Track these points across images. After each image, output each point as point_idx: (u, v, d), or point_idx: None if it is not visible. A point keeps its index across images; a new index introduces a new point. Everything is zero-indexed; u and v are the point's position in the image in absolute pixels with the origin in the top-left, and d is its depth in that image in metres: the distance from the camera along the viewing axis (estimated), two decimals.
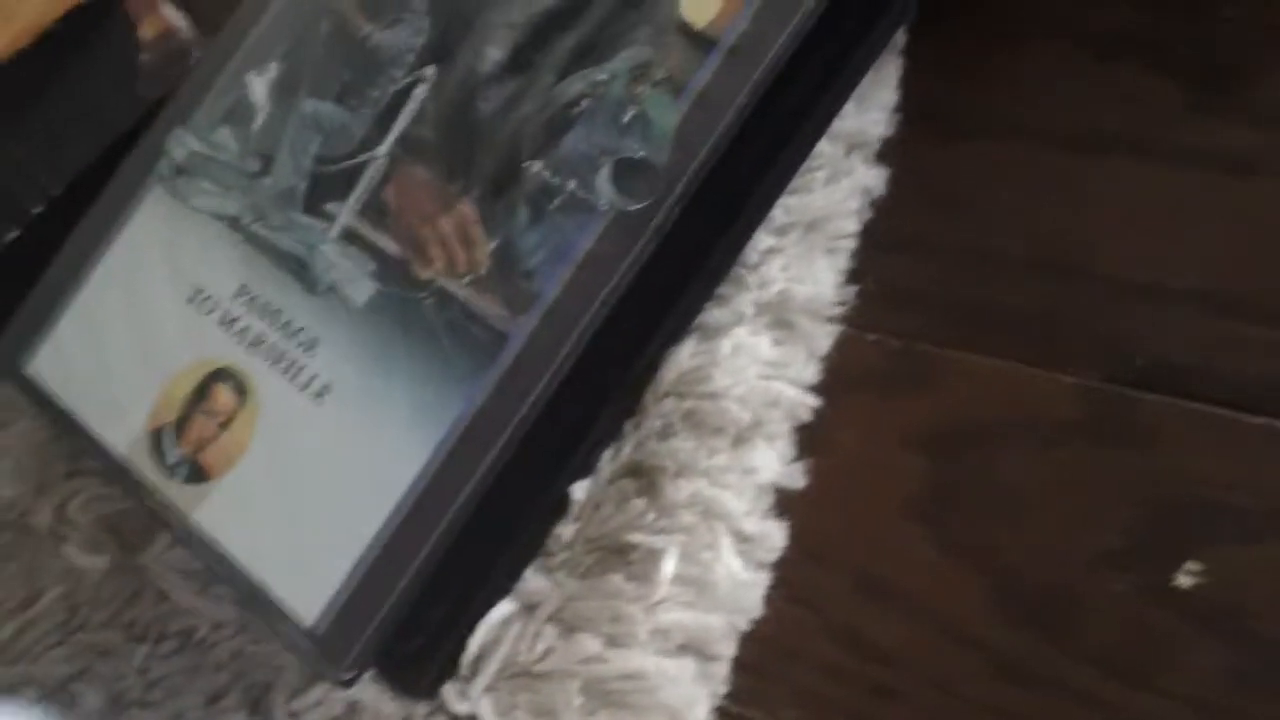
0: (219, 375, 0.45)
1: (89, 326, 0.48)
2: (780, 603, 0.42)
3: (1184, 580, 0.39)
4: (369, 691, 0.45)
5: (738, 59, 0.41)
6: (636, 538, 0.43)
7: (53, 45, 0.53)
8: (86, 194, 0.48)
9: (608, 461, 0.44)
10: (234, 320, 0.45)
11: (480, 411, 0.41)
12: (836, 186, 0.45)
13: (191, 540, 0.44)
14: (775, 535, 0.43)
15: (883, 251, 0.45)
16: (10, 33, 0.53)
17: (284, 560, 0.42)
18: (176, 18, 0.54)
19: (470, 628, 0.44)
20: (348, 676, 0.41)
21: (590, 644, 0.42)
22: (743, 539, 0.43)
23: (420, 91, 0.45)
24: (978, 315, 0.43)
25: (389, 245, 0.44)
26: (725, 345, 0.44)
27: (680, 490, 0.43)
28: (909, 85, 0.46)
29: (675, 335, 0.45)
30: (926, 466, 0.42)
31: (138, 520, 0.50)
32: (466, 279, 0.43)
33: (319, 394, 0.44)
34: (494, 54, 0.45)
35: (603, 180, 0.42)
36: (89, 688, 0.49)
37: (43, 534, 0.52)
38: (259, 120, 0.47)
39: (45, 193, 0.49)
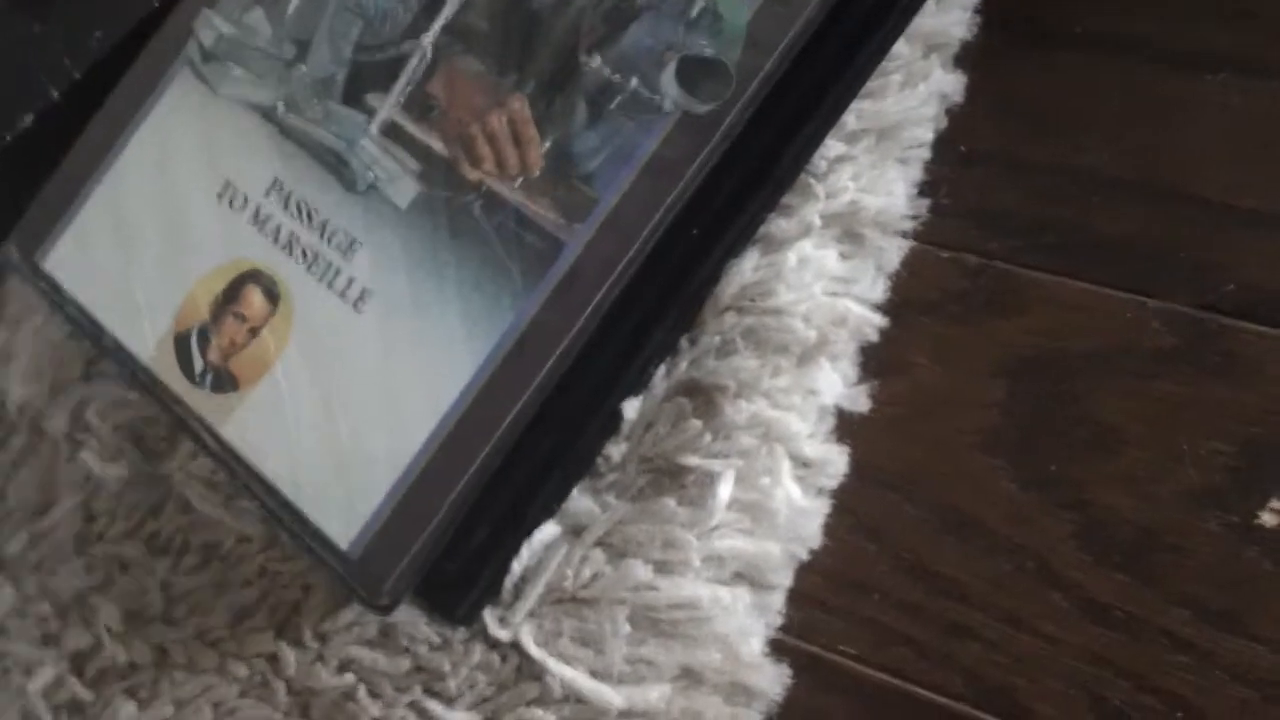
0: (250, 277, 0.42)
1: (111, 220, 0.45)
2: (842, 532, 0.40)
3: (1268, 519, 0.36)
4: (405, 613, 0.42)
5: None
6: (691, 460, 0.41)
7: None
8: (109, 80, 0.45)
9: (661, 379, 0.42)
10: (267, 218, 0.43)
11: (533, 324, 0.39)
12: (912, 91, 0.42)
13: (218, 453, 0.42)
14: (837, 461, 0.41)
15: (959, 163, 0.42)
16: None
17: (318, 479, 0.40)
18: None
19: (513, 551, 0.42)
20: (384, 604, 0.39)
21: (640, 570, 0.40)
22: (803, 464, 0.41)
23: None
24: (1063, 236, 0.40)
25: (435, 142, 0.41)
26: (790, 258, 0.42)
27: (739, 411, 0.41)
28: None
29: (738, 246, 0.42)
30: (1006, 394, 0.39)
31: (160, 427, 0.48)
32: (518, 181, 0.40)
33: (358, 300, 0.41)
34: None
35: (668, 79, 0.39)
36: (107, 602, 0.47)
37: (58, 439, 0.50)
38: (294, 3, 0.44)
39: (66, 75, 0.46)
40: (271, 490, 0.41)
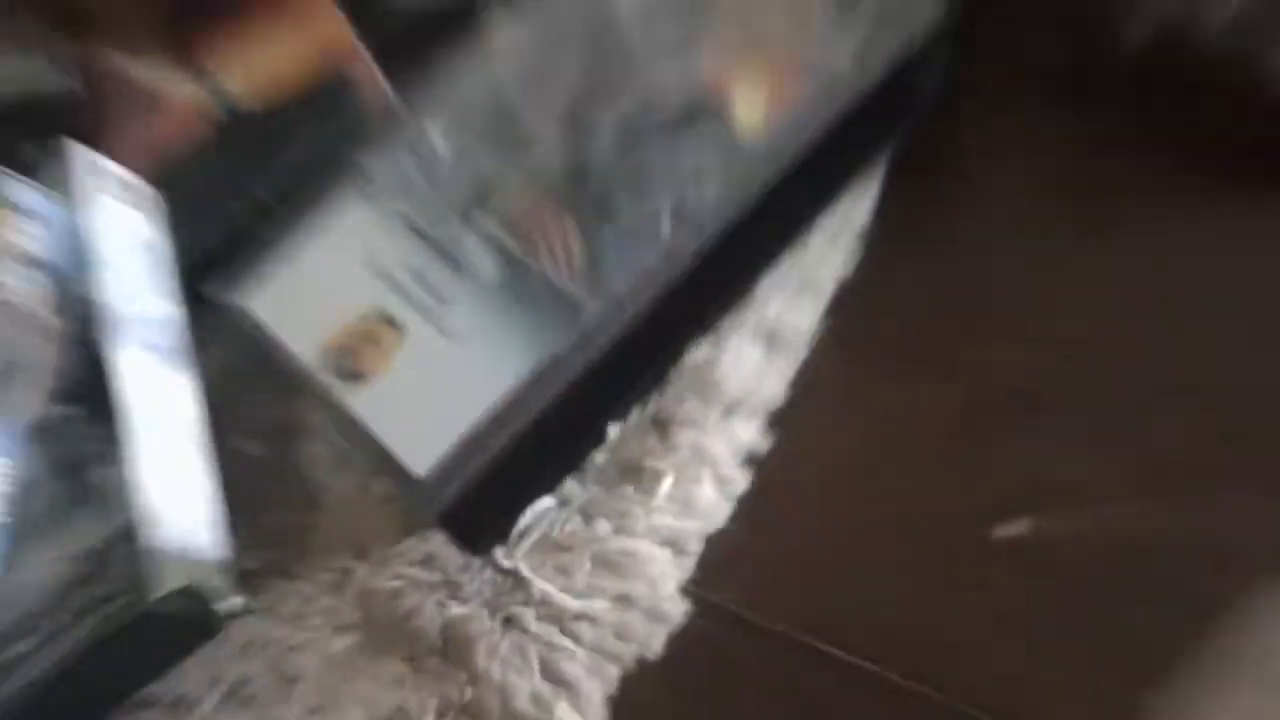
0: (381, 316, 0.65)
1: (293, 273, 0.69)
2: (742, 525, 0.60)
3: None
4: (442, 548, 0.63)
5: (766, 155, 0.62)
6: (647, 463, 0.62)
7: (303, 102, 0.75)
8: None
9: (636, 413, 0.63)
10: (400, 283, 0.66)
11: (564, 353, 0.60)
12: (826, 254, 0.65)
13: (344, 423, 0.63)
14: (744, 480, 0.61)
15: (851, 304, 0.64)
16: (272, 87, 0.76)
17: (412, 434, 0.61)
18: (386, 87, 0.76)
19: (522, 510, 0.62)
20: (443, 510, 0.59)
21: (603, 529, 0.61)
22: (720, 479, 0.61)
23: (547, 149, 0.66)
24: (896, 357, 0.62)
25: (513, 243, 0.64)
26: (730, 347, 0.63)
27: (684, 437, 0.62)
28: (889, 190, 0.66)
29: (697, 336, 0.64)
30: (859, 449, 0.60)
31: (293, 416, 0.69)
32: (563, 270, 0.63)
33: (453, 333, 0.63)
34: (602, 143, 0.65)
35: (665, 218, 0.62)
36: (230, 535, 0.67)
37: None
38: (434, 154, 0.68)
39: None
40: (378, 445, 0.62)
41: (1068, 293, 0.62)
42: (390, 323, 0.65)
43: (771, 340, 0.64)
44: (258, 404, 0.71)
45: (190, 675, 0.64)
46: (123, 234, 0.71)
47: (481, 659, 0.60)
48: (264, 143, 0.76)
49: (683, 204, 0.62)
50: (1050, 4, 0.69)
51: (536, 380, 0.61)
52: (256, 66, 0.78)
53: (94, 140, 0.75)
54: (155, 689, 0.64)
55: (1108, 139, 0.64)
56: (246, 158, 0.75)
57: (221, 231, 0.72)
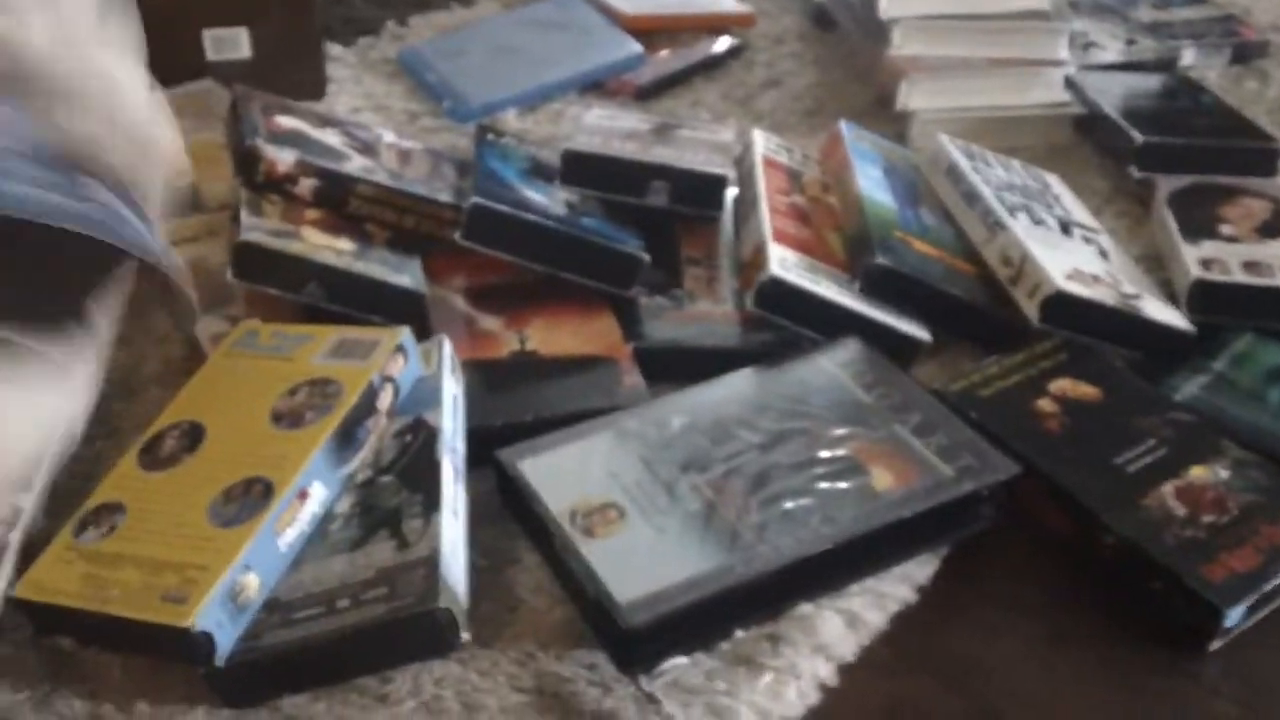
0: (611, 504, 0.97)
1: (557, 462, 1.01)
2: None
3: None
4: (603, 662, 0.91)
5: (884, 506, 0.98)
6: (759, 660, 0.92)
7: (579, 364, 1.11)
8: None
9: (756, 627, 0.95)
10: (626, 488, 0.98)
11: (725, 568, 0.93)
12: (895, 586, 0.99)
13: (573, 561, 0.94)
14: (815, 698, 0.92)
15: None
16: (559, 349, 1.12)
17: (617, 579, 0.91)
18: (639, 376, 1.12)
19: (666, 658, 0.92)
20: (627, 631, 0.89)
21: (718, 687, 0.90)
22: (802, 691, 0.92)
23: (745, 455, 1.01)
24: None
25: (710, 494, 0.98)
26: (825, 612, 0.96)
27: (786, 654, 0.93)
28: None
29: (808, 596, 0.97)
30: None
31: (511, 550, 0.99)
32: (741, 521, 0.96)
33: (659, 529, 0.95)
34: (781, 465, 1.01)
35: (814, 518, 0.96)
36: None
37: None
38: (670, 427, 1.03)
39: None
40: (595, 578, 0.92)
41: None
42: (617, 509, 0.98)
43: (850, 619, 0.97)
44: (491, 535, 1.02)
45: (398, 680, 0.91)
46: (450, 391, 1.04)
47: None
48: (540, 373, 1.12)
49: (825, 512, 0.97)
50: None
51: (704, 579, 0.93)
52: (552, 333, 1.16)
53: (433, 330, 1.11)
54: (369, 680, 0.91)
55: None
56: (528, 380, 1.11)
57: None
